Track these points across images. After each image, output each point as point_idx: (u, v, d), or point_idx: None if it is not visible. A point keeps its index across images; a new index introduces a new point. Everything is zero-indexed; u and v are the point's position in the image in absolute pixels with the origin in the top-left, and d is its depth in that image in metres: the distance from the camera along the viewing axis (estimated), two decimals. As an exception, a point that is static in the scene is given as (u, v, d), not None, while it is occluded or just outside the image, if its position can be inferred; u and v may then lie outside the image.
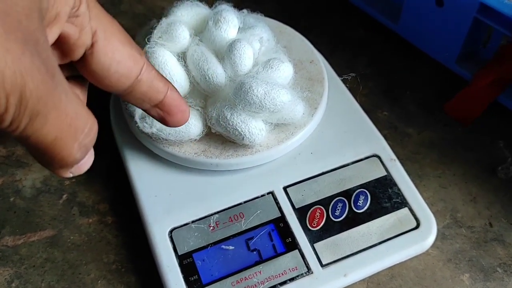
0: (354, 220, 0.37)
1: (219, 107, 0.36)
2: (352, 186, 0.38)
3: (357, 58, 0.51)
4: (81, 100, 0.25)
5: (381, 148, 0.40)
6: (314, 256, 0.35)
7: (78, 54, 0.26)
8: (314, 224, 0.36)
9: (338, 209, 0.37)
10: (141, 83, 0.28)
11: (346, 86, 0.43)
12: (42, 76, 0.21)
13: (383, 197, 0.38)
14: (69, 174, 0.26)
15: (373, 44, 0.52)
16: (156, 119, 0.31)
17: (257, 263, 0.35)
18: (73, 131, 0.23)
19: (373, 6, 0.51)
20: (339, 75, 0.44)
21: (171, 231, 0.36)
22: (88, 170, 0.42)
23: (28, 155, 0.43)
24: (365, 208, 0.37)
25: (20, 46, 0.20)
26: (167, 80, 0.30)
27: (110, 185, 0.41)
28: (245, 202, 0.37)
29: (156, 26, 0.37)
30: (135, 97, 0.29)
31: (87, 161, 0.27)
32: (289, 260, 0.35)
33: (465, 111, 0.45)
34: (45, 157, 0.23)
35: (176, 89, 0.31)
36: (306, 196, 0.38)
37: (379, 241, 0.36)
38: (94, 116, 0.25)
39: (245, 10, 0.42)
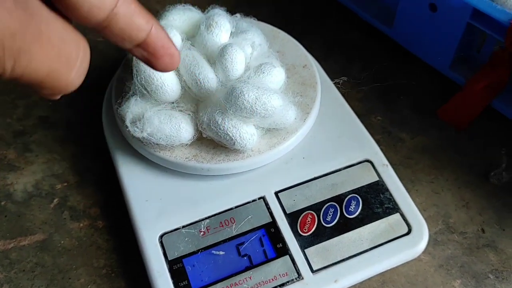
0: (345, 226, 0.37)
1: (210, 112, 0.36)
2: (344, 191, 0.38)
3: (352, 63, 0.51)
4: (67, 24, 0.23)
5: (373, 153, 0.40)
6: (305, 262, 0.35)
7: None
8: (305, 229, 0.36)
9: (330, 215, 0.37)
10: (118, 17, 0.25)
11: (339, 91, 0.43)
12: (8, 11, 0.20)
13: (375, 202, 0.38)
14: (58, 96, 0.25)
15: (368, 49, 0.52)
16: (142, 61, 0.28)
17: (247, 269, 0.35)
18: (65, 60, 0.23)
19: (367, 10, 0.51)
20: (333, 79, 0.44)
21: (161, 236, 0.35)
22: (80, 174, 0.43)
23: (20, 159, 0.43)
24: (357, 213, 0.37)
25: None
26: (152, 16, 0.27)
27: (101, 190, 0.41)
28: (236, 207, 0.37)
29: (147, 30, 0.37)
30: (112, 33, 0.25)
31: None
32: (279, 265, 0.35)
33: (458, 116, 0.45)
34: (45, 90, 0.23)
35: (163, 29, 0.27)
36: (297, 201, 0.37)
37: (370, 246, 0.36)
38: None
39: (238, 15, 0.42)
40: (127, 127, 0.36)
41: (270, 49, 0.40)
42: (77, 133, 0.45)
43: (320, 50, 0.51)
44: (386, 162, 0.39)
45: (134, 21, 0.25)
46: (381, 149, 0.40)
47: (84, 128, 0.45)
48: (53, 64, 0.22)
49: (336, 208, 0.37)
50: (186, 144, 0.37)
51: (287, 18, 0.54)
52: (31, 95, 0.47)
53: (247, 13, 0.43)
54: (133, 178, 0.38)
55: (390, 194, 0.38)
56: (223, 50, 0.36)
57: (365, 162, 0.39)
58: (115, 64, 0.43)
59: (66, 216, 0.40)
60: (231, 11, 0.42)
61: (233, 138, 0.36)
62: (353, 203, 0.38)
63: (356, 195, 0.38)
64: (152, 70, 0.36)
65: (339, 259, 0.35)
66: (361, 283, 0.36)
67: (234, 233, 0.36)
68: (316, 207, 0.37)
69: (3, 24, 0.20)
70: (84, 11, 0.23)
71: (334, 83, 0.43)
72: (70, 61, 0.23)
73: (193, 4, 0.41)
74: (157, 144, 0.37)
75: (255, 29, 0.41)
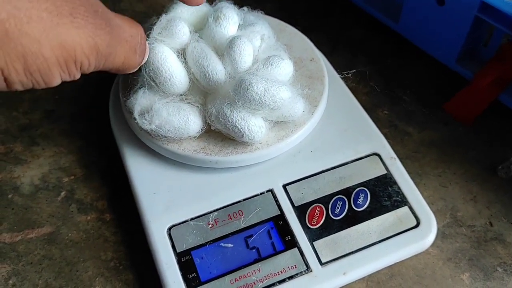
0: (353, 219, 0.37)
1: (219, 104, 0.36)
2: (352, 185, 0.38)
3: (358, 57, 0.50)
4: (129, 21, 0.32)
5: (381, 146, 0.40)
6: (314, 255, 0.35)
7: None
8: (313, 222, 0.36)
9: (338, 207, 0.37)
10: None
11: (346, 85, 0.43)
12: (104, 30, 0.27)
13: (383, 195, 0.38)
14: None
15: (374, 43, 0.52)
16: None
17: (256, 261, 0.35)
18: (133, 49, 0.31)
19: (373, 5, 0.51)
20: (341, 72, 0.44)
21: (169, 229, 0.35)
22: (86, 167, 0.43)
23: (26, 152, 0.43)
24: (365, 206, 0.37)
25: (83, 19, 0.26)
26: None
27: (109, 182, 0.41)
28: (244, 199, 0.37)
29: (155, 22, 0.37)
30: None
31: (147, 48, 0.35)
32: (288, 258, 0.35)
33: (466, 110, 0.45)
34: (119, 71, 0.32)
35: None
36: (305, 194, 0.37)
37: (378, 239, 0.36)
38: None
39: (245, 8, 0.42)
40: (135, 119, 0.36)
41: (278, 42, 0.40)
42: (83, 126, 0.45)
43: (326, 45, 0.51)
44: (394, 155, 0.39)
45: None
46: (389, 143, 0.40)
47: (91, 121, 0.45)
48: (126, 54, 0.31)
49: (345, 201, 0.37)
50: (194, 137, 0.37)
51: (293, 13, 0.54)
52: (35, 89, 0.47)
53: (253, 7, 0.43)
54: (141, 170, 0.38)
55: (398, 187, 0.38)
56: (231, 42, 0.36)
57: (373, 155, 0.39)
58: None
59: (74, 209, 0.40)
60: (238, 5, 0.42)
61: (241, 130, 0.35)
62: (361, 196, 0.37)
63: (364, 188, 0.38)
64: (160, 62, 0.35)
65: (347, 251, 0.35)
66: (370, 275, 0.36)
67: (243, 225, 0.36)
68: (324, 200, 0.37)
69: (102, 40, 0.27)
70: None
71: (343, 76, 0.43)
72: (136, 48, 0.32)
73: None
74: (165, 137, 0.37)
75: (263, 21, 0.41)
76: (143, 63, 0.34)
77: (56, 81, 0.27)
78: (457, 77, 0.46)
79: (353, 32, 0.53)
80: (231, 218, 0.36)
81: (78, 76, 0.28)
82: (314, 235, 0.36)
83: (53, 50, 0.25)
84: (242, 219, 0.36)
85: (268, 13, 0.46)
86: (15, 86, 0.26)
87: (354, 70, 0.43)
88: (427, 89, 0.48)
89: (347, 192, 0.38)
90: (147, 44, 0.34)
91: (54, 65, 0.26)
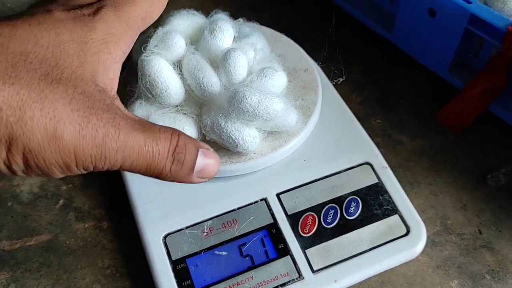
0: (345, 227, 0.37)
1: (214, 115, 0.37)
2: (344, 193, 0.39)
3: (352, 67, 0.51)
4: (157, 128, 0.28)
5: (373, 155, 0.41)
6: (306, 262, 0.36)
7: None
8: (306, 230, 0.37)
9: (330, 216, 0.38)
10: None
11: (340, 94, 0.44)
12: (113, 139, 0.26)
13: (374, 204, 0.38)
14: (197, 179, 0.30)
15: (368, 53, 0.53)
16: None
17: (249, 269, 0.35)
18: (158, 156, 0.28)
19: (368, 15, 0.52)
20: (333, 82, 0.45)
21: (165, 237, 0.36)
22: (84, 175, 0.43)
23: (25, 160, 0.44)
24: (356, 215, 0.38)
25: (93, 128, 0.25)
26: None
27: (106, 191, 0.42)
28: (238, 208, 0.38)
29: (152, 35, 0.38)
30: None
31: (212, 167, 0.31)
32: (281, 265, 0.36)
33: (457, 119, 0.46)
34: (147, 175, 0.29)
35: None
36: (298, 202, 0.38)
37: (369, 247, 0.36)
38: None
39: (241, 19, 0.42)
40: (132, 129, 0.37)
41: (272, 53, 0.41)
42: (82, 135, 0.46)
43: (320, 54, 0.51)
44: (385, 164, 0.40)
45: None
46: (381, 152, 0.41)
47: (89, 130, 0.46)
48: (148, 162, 0.28)
49: (336, 209, 0.38)
50: (190, 147, 0.38)
51: (288, 23, 0.55)
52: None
53: (249, 17, 0.44)
54: (138, 179, 0.39)
55: (389, 196, 0.39)
56: (226, 55, 0.37)
57: (365, 165, 0.40)
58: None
59: (72, 217, 0.41)
60: (234, 15, 0.42)
61: (235, 140, 0.36)
62: (353, 204, 0.38)
63: (356, 197, 0.39)
64: (157, 74, 0.36)
65: (339, 259, 0.36)
66: (361, 283, 0.37)
67: (237, 234, 0.37)
68: (316, 209, 0.38)
69: (107, 149, 0.26)
70: None
71: (333, 84, 0.44)
72: (162, 156, 0.28)
73: (197, 9, 0.42)
74: (161, 147, 0.37)
75: (258, 33, 0.41)
76: (200, 172, 0.30)
77: (56, 177, 0.27)
78: (449, 86, 0.47)
79: (348, 42, 0.54)
80: (225, 227, 0.37)
81: (79, 173, 0.27)
82: (306, 243, 0.36)
83: (53, 155, 0.25)
84: (236, 227, 0.37)
85: (264, 22, 0.47)
86: (18, 175, 0.26)
87: (343, 79, 0.44)
88: (421, 99, 0.49)
89: (339, 200, 0.38)
90: (213, 156, 0.30)
91: (54, 166, 0.25)
